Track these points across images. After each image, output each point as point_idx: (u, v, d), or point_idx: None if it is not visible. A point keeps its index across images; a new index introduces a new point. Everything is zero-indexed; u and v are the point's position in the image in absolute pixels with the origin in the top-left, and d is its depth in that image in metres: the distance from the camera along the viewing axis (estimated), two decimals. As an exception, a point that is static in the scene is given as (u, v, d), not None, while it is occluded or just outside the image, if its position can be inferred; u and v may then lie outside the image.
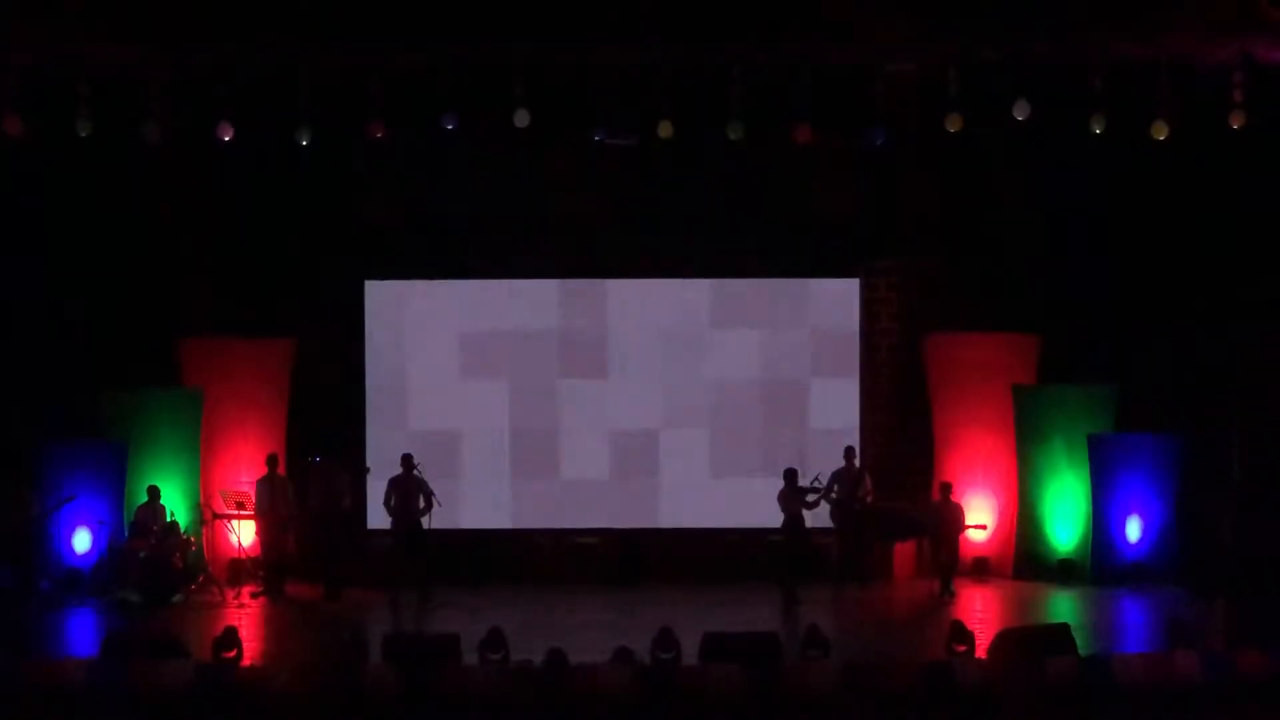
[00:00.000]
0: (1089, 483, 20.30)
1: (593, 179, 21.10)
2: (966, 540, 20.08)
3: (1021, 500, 20.85)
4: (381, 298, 21.57)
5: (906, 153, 18.95)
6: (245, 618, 17.90)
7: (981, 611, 18.27)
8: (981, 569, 20.66)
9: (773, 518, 19.82)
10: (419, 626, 17.71)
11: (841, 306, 21.53)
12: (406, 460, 19.73)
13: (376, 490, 20.58)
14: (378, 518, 20.63)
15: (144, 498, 19.65)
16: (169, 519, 19.48)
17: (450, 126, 16.48)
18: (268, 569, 19.78)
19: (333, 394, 21.38)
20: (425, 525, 19.64)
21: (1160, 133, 16.11)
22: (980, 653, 13.82)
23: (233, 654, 13.69)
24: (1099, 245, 20.44)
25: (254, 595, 19.40)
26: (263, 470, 20.03)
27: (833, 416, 21.49)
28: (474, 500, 21.52)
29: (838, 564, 19.72)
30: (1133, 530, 20.08)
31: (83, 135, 15.97)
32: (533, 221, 21.36)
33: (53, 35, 15.57)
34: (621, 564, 21.01)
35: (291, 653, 15.53)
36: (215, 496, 20.36)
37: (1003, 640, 14.04)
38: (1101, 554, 20.16)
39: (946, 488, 19.93)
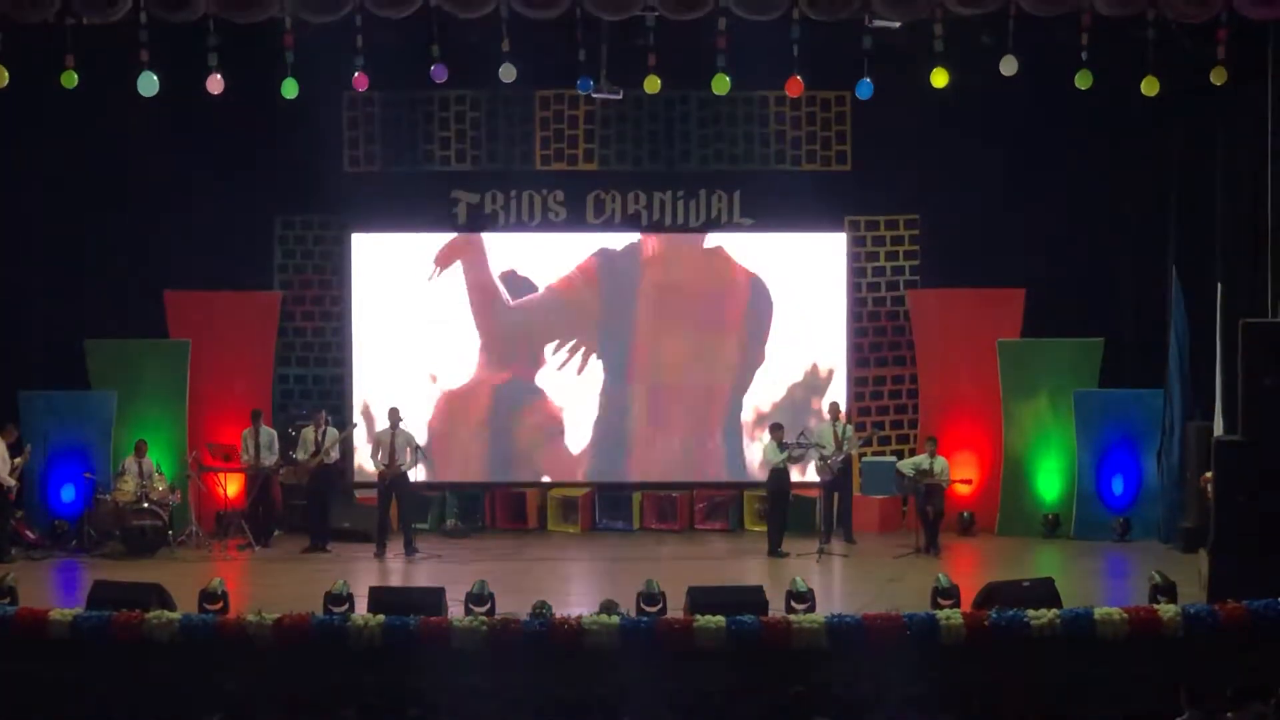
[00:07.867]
0: (1074, 437, 20.36)
1: (578, 133, 21.09)
2: (952, 495, 20.14)
3: (1007, 455, 20.89)
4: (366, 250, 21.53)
5: (893, 107, 18.87)
6: (231, 570, 17.93)
7: (967, 566, 18.34)
8: (967, 524, 20.71)
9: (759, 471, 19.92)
10: (404, 579, 17.76)
11: (827, 261, 21.50)
12: (393, 414, 19.74)
13: (362, 443, 20.65)
14: (363, 470, 20.70)
15: (131, 450, 19.67)
16: (155, 471, 19.50)
17: (440, 80, 16.41)
18: (253, 521, 19.82)
19: (318, 346, 21.42)
20: (410, 478, 19.69)
21: (1152, 88, 16.06)
22: (965, 607, 13.90)
23: (218, 606, 13.75)
24: (1083, 199, 20.42)
25: (240, 547, 19.45)
26: (248, 423, 20.07)
27: (818, 371, 21.53)
28: (460, 453, 21.55)
29: (823, 518, 19.75)
30: (1117, 485, 20.16)
31: (70, 88, 15.80)
32: (519, 175, 21.35)
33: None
34: (605, 514, 21.16)
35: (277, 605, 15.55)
36: (202, 449, 20.37)
37: (988, 595, 14.14)
38: (1086, 508, 20.25)
39: (932, 443, 19.97)
